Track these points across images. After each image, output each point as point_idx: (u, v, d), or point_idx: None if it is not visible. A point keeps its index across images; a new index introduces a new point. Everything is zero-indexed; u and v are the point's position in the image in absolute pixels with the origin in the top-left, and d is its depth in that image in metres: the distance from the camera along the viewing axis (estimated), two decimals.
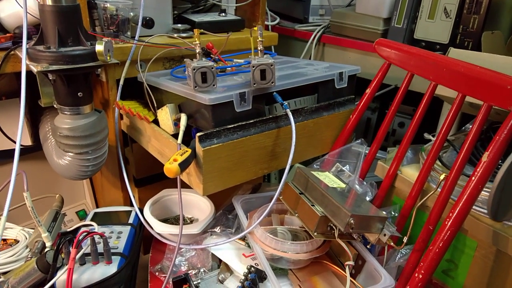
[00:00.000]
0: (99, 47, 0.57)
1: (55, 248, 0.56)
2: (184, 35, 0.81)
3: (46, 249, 0.63)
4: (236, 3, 0.96)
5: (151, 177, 0.85)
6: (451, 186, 0.55)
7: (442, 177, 0.56)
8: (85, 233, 0.57)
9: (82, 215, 1.00)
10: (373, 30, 0.93)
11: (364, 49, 0.95)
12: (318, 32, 1.02)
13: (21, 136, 0.53)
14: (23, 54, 0.61)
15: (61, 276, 0.55)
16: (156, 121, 0.70)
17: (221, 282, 0.62)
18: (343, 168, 0.73)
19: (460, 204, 0.50)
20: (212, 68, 0.61)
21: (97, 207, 1.01)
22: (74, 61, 0.57)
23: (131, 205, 0.86)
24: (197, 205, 0.76)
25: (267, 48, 0.97)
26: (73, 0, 0.57)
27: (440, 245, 0.50)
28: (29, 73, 0.65)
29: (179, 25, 0.82)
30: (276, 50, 1.01)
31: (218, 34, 0.82)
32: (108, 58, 0.59)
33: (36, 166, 0.89)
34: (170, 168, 0.55)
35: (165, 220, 0.74)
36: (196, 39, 0.62)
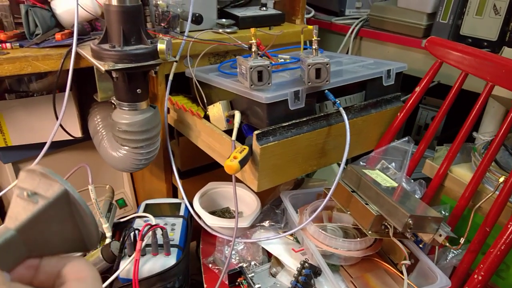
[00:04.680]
0: (161, 46, 0.58)
1: (121, 239, 0.59)
2: (228, 30, 0.81)
3: (107, 240, 0.66)
4: None
5: (194, 170, 0.87)
6: (510, 188, 0.55)
7: (501, 179, 0.56)
8: (148, 226, 0.59)
9: (121, 203, 1.03)
10: (415, 25, 0.91)
11: (405, 44, 0.94)
12: (356, 26, 1.00)
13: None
14: (72, 52, 0.62)
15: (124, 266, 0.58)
16: (206, 117, 0.71)
17: (273, 276, 0.64)
18: (389, 166, 0.74)
19: None
20: (268, 67, 0.61)
21: (136, 197, 1.04)
22: (138, 60, 0.58)
23: (174, 196, 0.89)
24: (243, 199, 0.78)
25: (304, 42, 0.96)
26: (136, 0, 0.58)
27: (502, 248, 0.51)
28: (78, 68, 0.67)
29: (224, 20, 0.83)
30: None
31: (260, 28, 0.82)
32: (168, 56, 0.60)
33: (80, 155, 0.92)
34: (231, 165, 0.57)
35: (212, 213, 0.76)
36: (253, 38, 0.62)
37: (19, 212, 0.22)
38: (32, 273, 0.22)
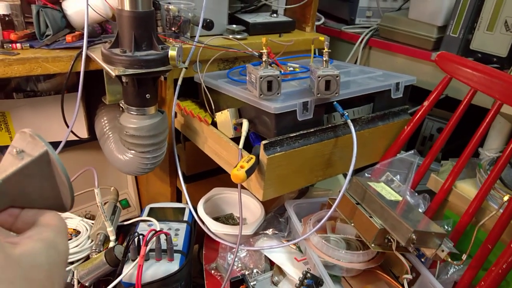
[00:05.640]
0: (172, 52, 0.58)
1: (125, 244, 0.59)
2: (239, 36, 0.81)
3: (111, 243, 0.66)
4: (286, 4, 0.95)
5: (199, 175, 0.87)
6: None
7: (506, 198, 0.57)
8: (153, 232, 0.59)
9: (124, 204, 1.03)
10: (426, 38, 0.91)
11: (414, 55, 0.94)
12: (366, 35, 1.00)
13: None
14: (83, 55, 0.62)
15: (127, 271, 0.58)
16: (213, 123, 0.71)
17: (275, 284, 0.65)
18: (394, 178, 0.74)
19: None
20: (278, 77, 0.61)
21: (140, 198, 1.05)
22: (148, 66, 0.58)
23: (178, 200, 0.89)
24: (247, 206, 0.78)
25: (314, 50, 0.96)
26: (148, 5, 0.58)
27: (504, 266, 0.51)
28: (87, 70, 0.67)
29: (234, 26, 0.82)
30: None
31: (270, 35, 0.82)
32: (178, 63, 0.60)
33: (85, 155, 0.93)
34: (238, 174, 0.57)
35: (216, 219, 0.77)
36: (264, 47, 0.62)
37: (7, 166, 0.26)
38: (12, 220, 0.26)
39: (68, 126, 0.75)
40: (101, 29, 0.72)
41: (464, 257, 0.56)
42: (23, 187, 0.26)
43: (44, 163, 0.27)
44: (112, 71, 0.56)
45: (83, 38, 0.64)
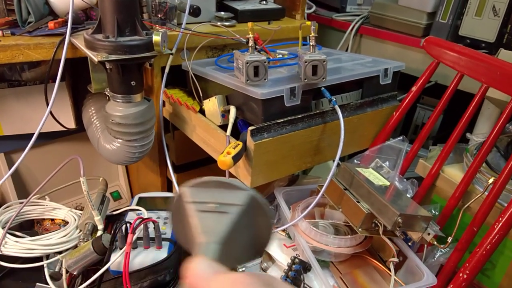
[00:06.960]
0: (156, 38, 0.57)
1: (112, 232, 0.59)
2: (227, 23, 0.80)
3: (99, 232, 0.66)
4: None
5: (189, 164, 0.87)
6: (499, 190, 0.56)
7: (491, 181, 0.57)
8: (140, 219, 0.59)
9: (116, 196, 1.03)
10: (415, 24, 0.91)
11: (404, 42, 0.93)
12: (357, 23, 1.00)
13: None
14: (65, 41, 0.61)
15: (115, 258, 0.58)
16: (201, 111, 0.71)
17: (264, 270, 0.65)
18: (383, 164, 0.74)
19: (511, 210, 0.51)
20: (265, 62, 0.61)
21: (131, 189, 1.04)
22: (132, 51, 0.57)
23: (169, 190, 0.89)
24: None
25: (303, 38, 0.96)
26: None
27: (488, 247, 0.52)
28: (73, 58, 0.65)
29: (222, 13, 0.81)
30: None
31: (259, 22, 0.81)
32: (163, 48, 0.59)
33: (75, 147, 0.92)
34: (224, 161, 0.57)
35: None
36: (250, 32, 0.62)
37: (213, 225, 0.21)
38: None
39: (54, 117, 0.74)
40: (85, 16, 0.70)
41: (449, 239, 0.57)
42: (234, 244, 0.22)
43: (252, 209, 0.23)
44: (94, 57, 0.56)
45: (66, 25, 0.63)
